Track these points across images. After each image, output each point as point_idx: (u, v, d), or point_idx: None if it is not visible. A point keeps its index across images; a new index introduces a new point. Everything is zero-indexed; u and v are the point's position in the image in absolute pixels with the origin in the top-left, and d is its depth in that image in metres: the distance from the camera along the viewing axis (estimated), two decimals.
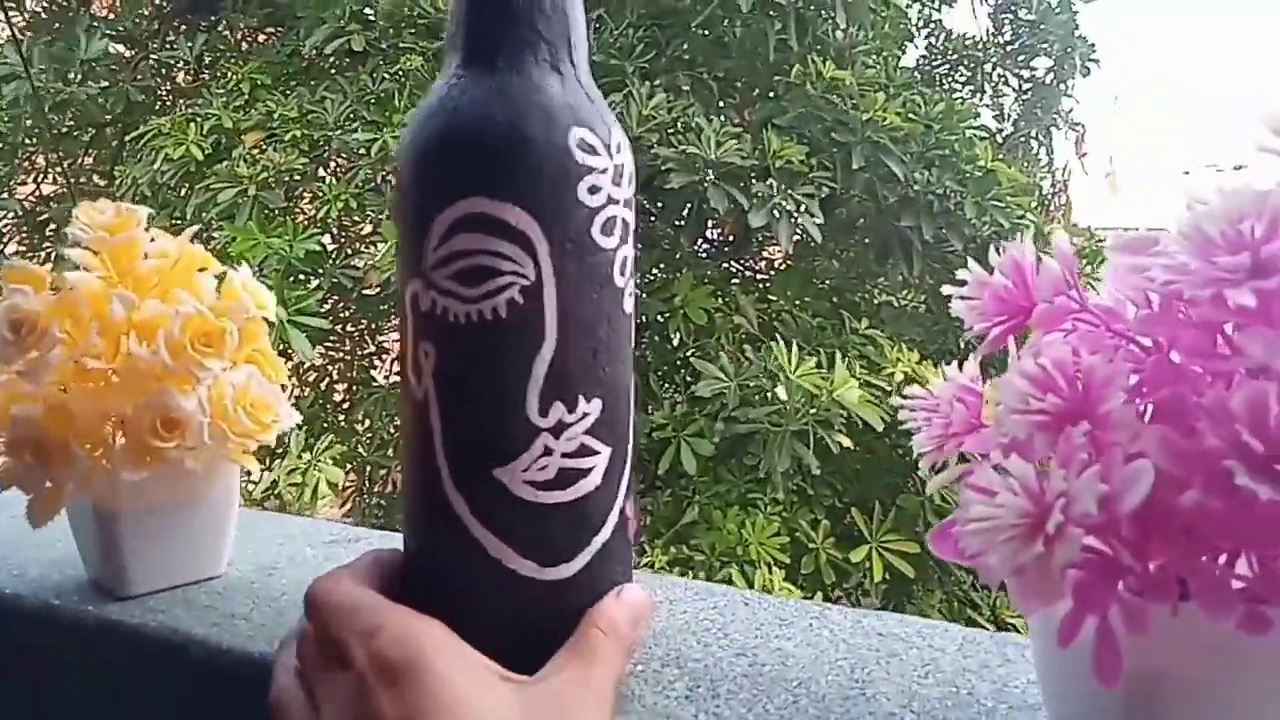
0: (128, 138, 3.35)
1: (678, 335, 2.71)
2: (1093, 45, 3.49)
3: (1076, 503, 0.28)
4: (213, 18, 3.44)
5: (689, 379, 2.71)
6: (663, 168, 2.34)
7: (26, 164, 3.86)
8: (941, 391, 0.38)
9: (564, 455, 0.39)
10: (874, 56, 2.76)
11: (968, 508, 0.31)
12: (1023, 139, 3.62)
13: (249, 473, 0.56)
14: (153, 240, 0.51)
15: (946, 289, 0.37)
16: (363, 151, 2.83)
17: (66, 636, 0.52)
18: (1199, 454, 0.28)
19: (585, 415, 0.40)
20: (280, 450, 2.85)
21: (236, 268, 0.53)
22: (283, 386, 0.55)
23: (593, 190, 0.39)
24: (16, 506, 0.50)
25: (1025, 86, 3.59)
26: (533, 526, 0.40)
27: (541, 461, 0.39)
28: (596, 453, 0.40)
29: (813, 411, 2.23)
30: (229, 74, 3.21)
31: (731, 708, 0.41)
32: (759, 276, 3.36)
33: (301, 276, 2.71)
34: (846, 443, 2.26)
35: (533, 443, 0.39)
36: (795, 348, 2.32)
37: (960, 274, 0.37)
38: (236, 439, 0.51)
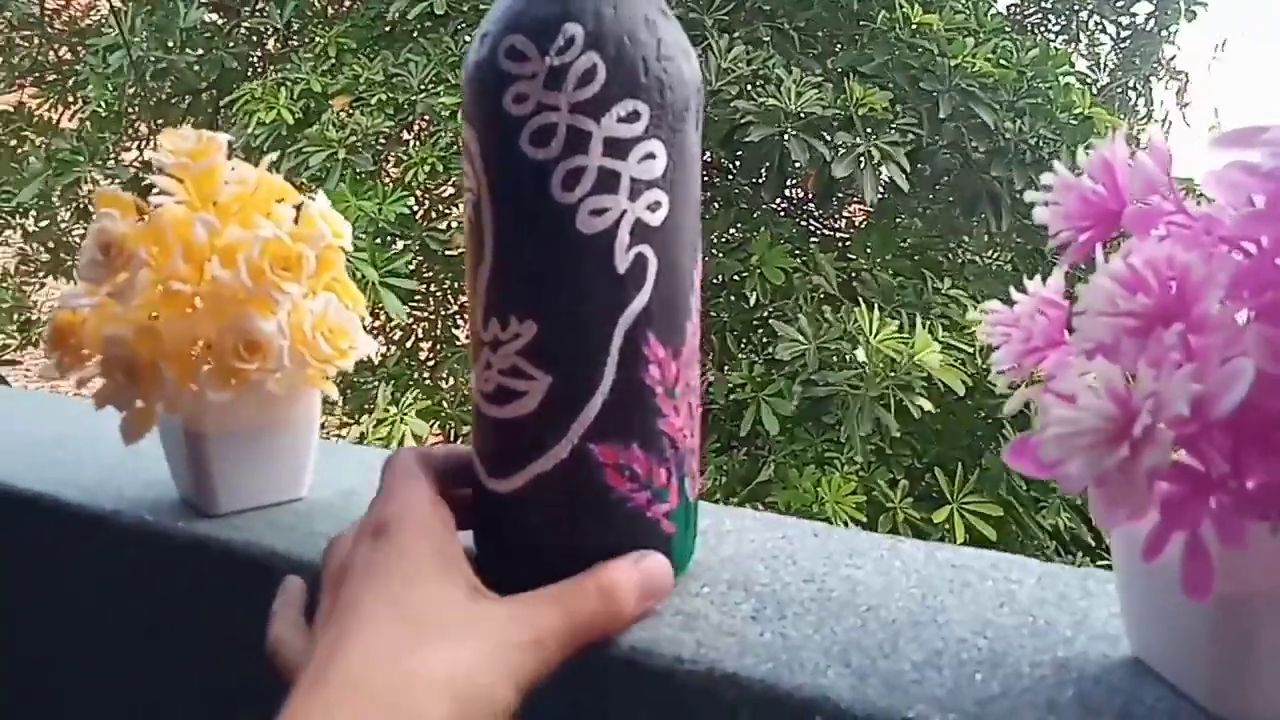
0: (222, 104, 3.47)
1: (754, 295, 2.68)
2: None
3: (1167, 404, 0.27)
4: None
5: (765, 339, 2.68)
6: (742, 121, 2.31)
7: (131, 132, 4.03)
8: (1022, 305, 0.36)
9: (500, 372, 0.40)
10: (963, 1, 2.66)
11: (1047, 413, 0.29)
12: (1119, 90, 3.44)
13: (330, 400, 0.57)
14: (234, 169, 0.53)
15: (1030, 195, 0.35)
16: (446, 114, 2.86)
17: (159, 550, 0.55)
18: None
19: (517, 336, 0.39)
20: (369, 405, 2.95)
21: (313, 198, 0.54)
22: (362, 319, 0.57)
23: (518, 99, 0.37)
24: (117, 434, 0.53)
25: (1123, 34, 3.40)
26: (482, 434, 0.42)
27: (485, 374, 0.40)
28: (530, 377, 0.39)
29: (893, 375, 2.19)
30: (316, 39, 3.29)
31: (799, 629, 0.40)
32: (839, 235, 3.29)
33: (390, 239, 2.77)
34: (928, 406, 2.21)
35: (480, 354, 0.40)
36: (876, 310, 2.28)
37: (1045, 178, 0.34)
38: (316, 363, 0.52)
